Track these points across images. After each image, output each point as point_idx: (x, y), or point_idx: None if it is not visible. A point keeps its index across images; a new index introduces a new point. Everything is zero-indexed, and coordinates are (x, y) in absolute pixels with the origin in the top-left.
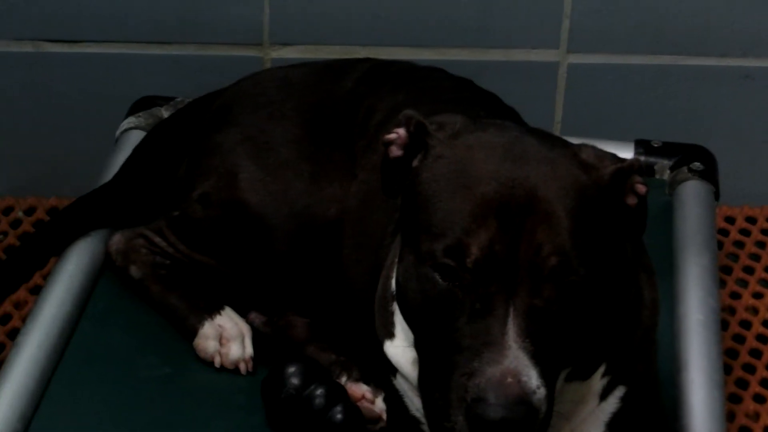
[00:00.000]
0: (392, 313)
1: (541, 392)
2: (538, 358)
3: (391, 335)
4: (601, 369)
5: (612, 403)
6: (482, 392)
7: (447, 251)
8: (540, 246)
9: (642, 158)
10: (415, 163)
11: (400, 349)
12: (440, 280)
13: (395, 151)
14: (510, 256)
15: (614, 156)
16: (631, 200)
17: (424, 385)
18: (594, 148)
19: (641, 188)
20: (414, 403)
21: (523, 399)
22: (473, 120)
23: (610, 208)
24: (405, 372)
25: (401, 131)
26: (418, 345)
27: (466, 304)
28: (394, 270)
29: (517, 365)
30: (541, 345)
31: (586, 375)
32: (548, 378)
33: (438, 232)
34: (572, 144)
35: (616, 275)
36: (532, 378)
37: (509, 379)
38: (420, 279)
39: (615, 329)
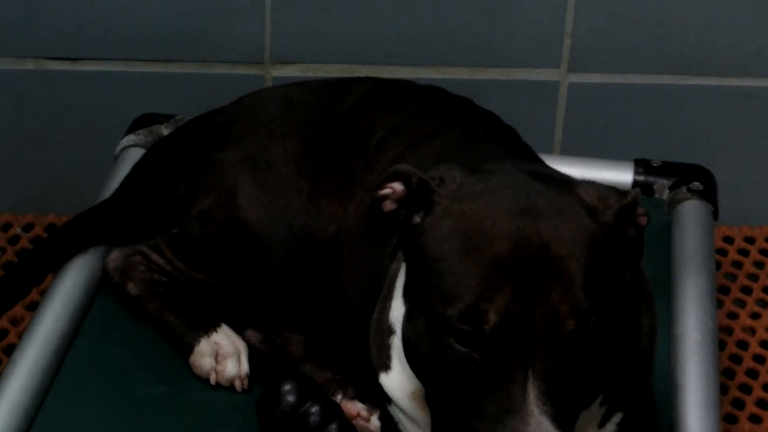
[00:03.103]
0: (389, 346)
1: None
2: (559, 419)
3: (387, 367)
4: (600, 397)
5: (609, 429)
6: None
7: (463, 317)
8: (557, 308)
9: (641, 177)
10: (416, 219)
11: (396, 382)
12: (457, 345)
13: (390, 206)
14: (526, 318)
15: (615, 191)
16: (631, 231)
17: None
18: (595, 185)
19: (643, 220)
20: (409, 430)
21: None
22: (473, 169)
23: (614, 245)
24: (401, 404)
25: (397, 186)
26: (431, 402)
27: (485, 369)
28: (392, 301)
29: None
30: (561, 403)
31: (585, 405)
32: None
33: (452, 297)
34: (573, 182)
35: (619, 309)
36: None
37: None
38: (434, 343)
39: (615, 359)
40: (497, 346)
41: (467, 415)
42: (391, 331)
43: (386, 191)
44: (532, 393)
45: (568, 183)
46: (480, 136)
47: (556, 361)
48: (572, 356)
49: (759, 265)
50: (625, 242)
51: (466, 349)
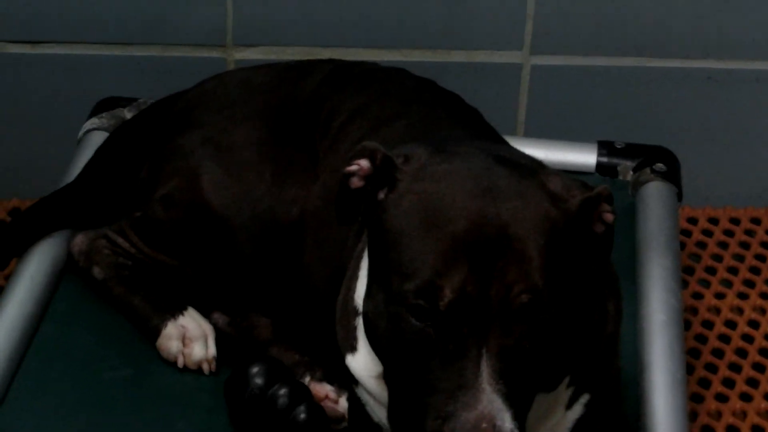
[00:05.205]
0: (355, 328)
1: None
2: (511, 398)
3: (353, 349)
4: (566, 380)
5: (576, 410)
6: None
7: (419, 293)
8: (511, 286)
9: (605, 159)
10: (380, 196)
11: (362, 363)
12: (413, 320)
13: (357, 183)
14: (482, 296)
15: (581, 183)
16: (599, 228)
17: (395, 422)
18: (561, 175)
19: (609, 217)
20: (376, 412)
21: None
22: (438, 150)
23: (578, 236)
24: (367, 386)
25: (364, 163)
26: (388, 379)
27: (440, 345)
28: (357, 282)
29: (491, 409)
30: (514, 383)
31: (551, 388)
32: (521, 415)
33: (409, 272)
34: (539, 170)
35: (582, 296)
36: (506, 421)
37: (484, 425)
38: (391, 318)
39: (580, 343)
40: (452, 323)
41: (421, 391)
42: (356, 313)
43: (353, 167)
44: (485, 370)
45: (533, 169)
46: (443, 117)
47: (510, 339)
48: (526, 334)
49: (723, 245)
50: (591, 237)
51: (421, 324)
